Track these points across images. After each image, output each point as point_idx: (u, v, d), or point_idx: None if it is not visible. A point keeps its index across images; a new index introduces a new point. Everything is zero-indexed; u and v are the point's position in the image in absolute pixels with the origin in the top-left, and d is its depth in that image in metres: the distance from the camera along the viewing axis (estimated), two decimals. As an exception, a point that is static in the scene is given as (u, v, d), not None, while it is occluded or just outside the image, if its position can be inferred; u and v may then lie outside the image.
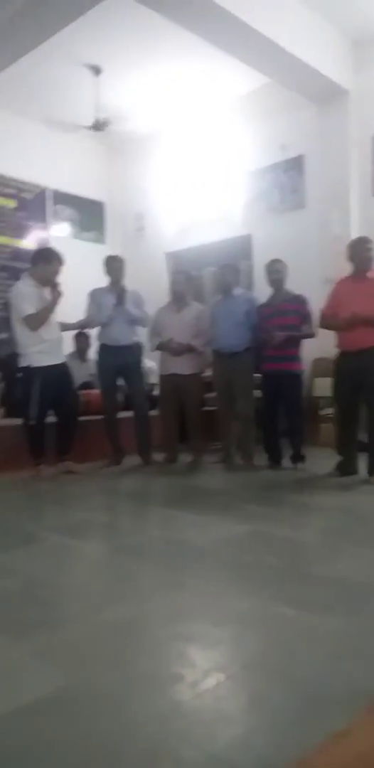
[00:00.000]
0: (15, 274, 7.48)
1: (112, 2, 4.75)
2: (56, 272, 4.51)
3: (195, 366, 5.01)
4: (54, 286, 4.48)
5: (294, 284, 4.80)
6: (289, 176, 6.75)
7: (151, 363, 6.08)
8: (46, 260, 4.55)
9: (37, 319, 4.42)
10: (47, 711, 1.36)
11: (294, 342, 4.59)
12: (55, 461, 4.67)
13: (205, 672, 1.52)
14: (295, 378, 4.65)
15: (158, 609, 1.97)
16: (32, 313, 4.41)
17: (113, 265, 5.05)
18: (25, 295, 4.46)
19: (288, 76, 5.88)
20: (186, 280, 5.17)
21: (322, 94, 6.13)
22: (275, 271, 4.75)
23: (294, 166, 6.70)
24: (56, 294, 4.47)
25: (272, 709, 1.36)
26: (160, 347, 5.04)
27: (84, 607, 2.01)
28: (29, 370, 4.48)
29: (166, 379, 5.05)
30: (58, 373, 4.56)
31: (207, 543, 2.74)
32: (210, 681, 1.47)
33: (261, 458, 4.83)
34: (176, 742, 1.23)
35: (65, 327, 4.86)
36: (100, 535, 3.17)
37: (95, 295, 5.03)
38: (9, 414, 5.76)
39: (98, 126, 6.89)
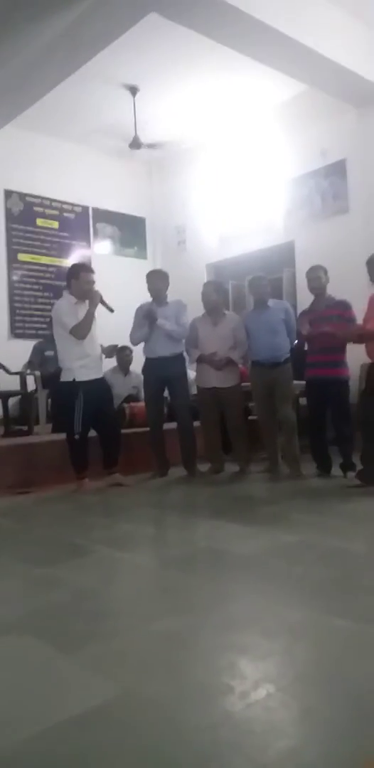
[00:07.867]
0: (59, 293, 7.63)
1: (145, 22, 4.80)
2: (87, 282, 4.54)
3: (234, 378, 4.99)
4: (90, 295, 4.50)
5: (338, 290, 4.72)
6: (331, 182, 6.69)
7: (193, 374, 6.07)
8: (74, 276, 4.61)
9: (83, 327, 4.45)
10: (98, 720, 1.36)
11: (338, 348, 4.51)
12: (102, 474, 4.71)
13: (256, 683, 1.49)
14: (342, 384, 4.55)
15: (207, 620, 1.95)
16: (76, 323, 4.45)
17: (153, 279, 5.06)
18: (66, 310, 4.52)
19: (326, 82, 5.84)
20: (215, 291, 5.13)
21: (362, 97, 6.04)
22: (316, 278, 4.68)
23: (336, 171, 6.63)
24: (93, 297, 4.48)
25: (324, 722, 1.32)
26: (201, 360, 5.03)
27: (133, 619, 2.00)
28: (73, 385, 4.49)
29: (206, 392, 5.03)
30: (100, 388, 4.62)
31: (255, 554, 2.71)
32: (261, 692, 1.44)
33: (309, 467, 4.75)
34: (227, 753, 1.21)
35: (108, 352, 4.84)
36: (148, 547, 3.18)
37: (137, 313, 5.01)
38: (56, 429, 5.88)
39: (136, 144, 7.01)
